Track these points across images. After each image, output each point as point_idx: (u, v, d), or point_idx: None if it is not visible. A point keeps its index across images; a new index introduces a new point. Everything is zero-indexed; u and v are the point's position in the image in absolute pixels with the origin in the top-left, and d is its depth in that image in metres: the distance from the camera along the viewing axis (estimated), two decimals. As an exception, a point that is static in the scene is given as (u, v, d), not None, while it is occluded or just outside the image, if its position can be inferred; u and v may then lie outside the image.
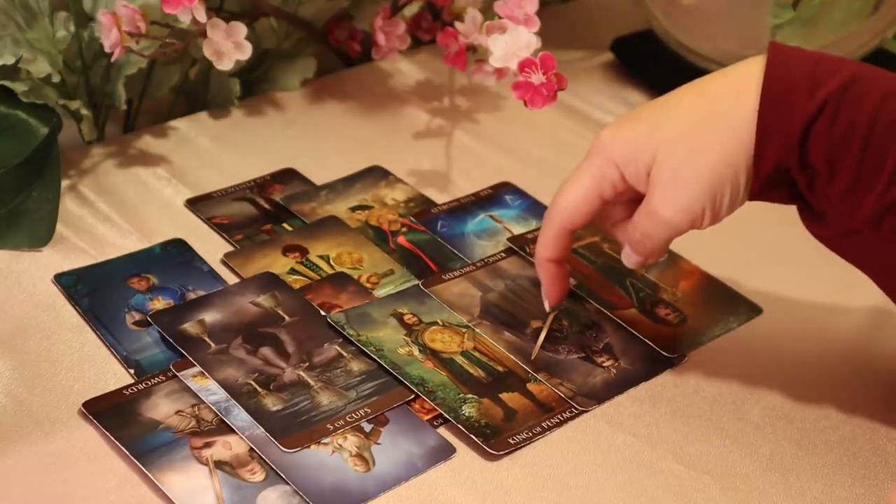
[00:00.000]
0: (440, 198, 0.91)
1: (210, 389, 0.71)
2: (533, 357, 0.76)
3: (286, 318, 0.77)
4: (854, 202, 0.66)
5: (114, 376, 0.73)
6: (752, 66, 0.67)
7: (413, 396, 0.72)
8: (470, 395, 0.73)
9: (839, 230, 0.69)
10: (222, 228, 0.86)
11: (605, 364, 0.76)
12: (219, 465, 0.67)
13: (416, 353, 0.75)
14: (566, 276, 0.76)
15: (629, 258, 0.74)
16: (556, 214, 0.73)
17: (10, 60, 0.85)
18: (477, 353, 0.76)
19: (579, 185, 0.72)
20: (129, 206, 0.87)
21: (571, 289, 0.82)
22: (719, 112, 0.67)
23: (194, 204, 0.88)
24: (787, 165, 0.67)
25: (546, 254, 0.75)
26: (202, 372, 0.72)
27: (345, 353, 0.75)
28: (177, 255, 0.83)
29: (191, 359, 0.73)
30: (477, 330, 0.78)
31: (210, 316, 0.77)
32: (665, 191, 0.69)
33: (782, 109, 0.66)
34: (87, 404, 0.70)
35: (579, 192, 0.72)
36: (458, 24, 0.94)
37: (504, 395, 0.73)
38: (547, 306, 0.77)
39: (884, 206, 0.65)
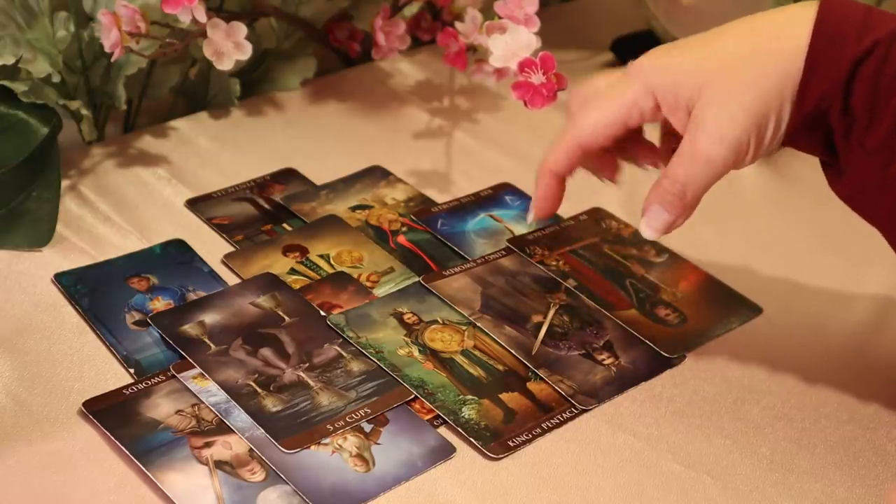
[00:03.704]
0: (440, 198, 0.91)
1: (210, 391, 0.71)
2: (534, 352, 0.76)
3: (286, 318, 0.77)
4: (890, 153, 0.64)
5: (114, 376, 0.73)
6: (804, 8, 0.66)
7: (413, 396, 0.72)
8: (470, 397, 0.73)
9: (864, 186, 0.67)
10: (222, 229, 0.86)
11: (605, 362, 0.76)
12: (219, 464, 0.67)
13: (416, 353, 0.75)
14: (561, 194, 0.73)
15: (656, 220, 0.69)
16: (577, 132, 0.70)
17: (10, 60, 0.85)
18: (477, 352, 0.76)
19: (607, 108, 0.69)
20: (129, 206, 0.87)
21: (571, 289, 0.82)
22: (770, 47, 0.66)
23: (194, 204, 0.88)
24: (828, 106, 0.65)
25: (552, 166, 0.72)
26: (202, 373, 0.72)
27: (345, 354, 0.75)
28: (177, 255, 0.83)
29: (191, 360, 0.73)
30: (478, 324, 0.78)
31: (210, 317, 0.77)
32: (712, 125, 0.66)
33: (833, 45, 0.65)
34: (87, 404, 0.70)
35: (606, 116, 0.69)
36: (458, 24, 0.94)
37: (504, 396, 0.73)
38: (530, 217, 0.74)
39: None
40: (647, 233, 0.70)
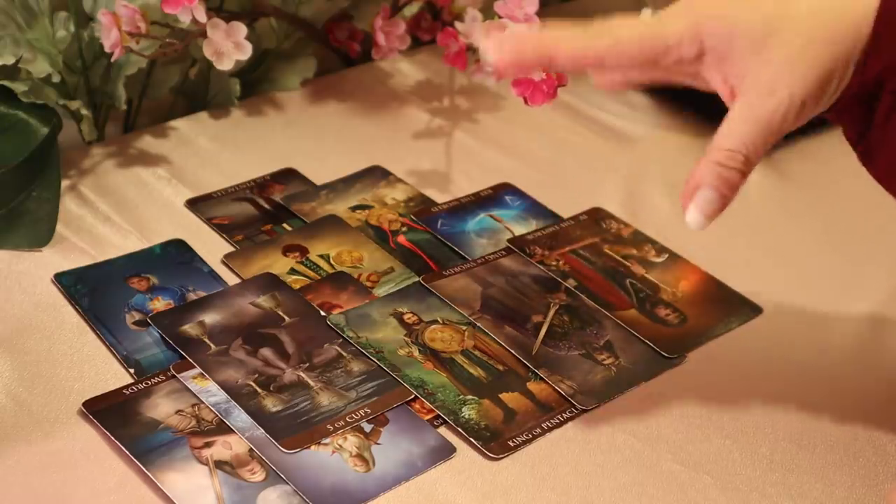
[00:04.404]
0: (440, 198, 0.91)
1: (210, 391, 0.71)
2: (534, 352, 0.76)
3: (286, 318, 0.77)
4: None
5: (114, 376, 0.73)
6: None
7: (413, 396, 0.72)
8: (470, 397, 0.73)
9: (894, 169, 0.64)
10: (222, 229, 0.86)
11: (605, 362, 0.76)
12: (219, 464, 0.67)
13: (416, 353, 0.75)
14: (530, 71, 0.68)
15: (709, 205, 0.63)
16: (600, 45, 0.64)
17: (10, 60, 0.85)
18: (477, 352, 0.76)
19: (643, 38, 0.64)
20: (129, 206, 0.87)
21: (571, 289, 0.82)
22: (840, 7, 0.62)
23: (194, 204, 0.88)
24: (886, 77, 0.61)
25: (548, 52, 0.65)
26: (202, 373, 0.72)
27: (345, 354, 0.75)
28: (177, 255, 0.83)
29: (191, 360, 0.73)
30: (478, 324, 0.78)
31: (210, 317, 0.77)
32: (779, 85, 0.61)
33: None
34: (87, 404, 0.70)
35: (635, 45, 0.64)
36: (458, 24, 0.94)
37: (504, 396, 0.73)
38: (489, 57, 0.66)
39: None
40: (700, 221, 0.63)
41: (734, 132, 0.62)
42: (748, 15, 0.63)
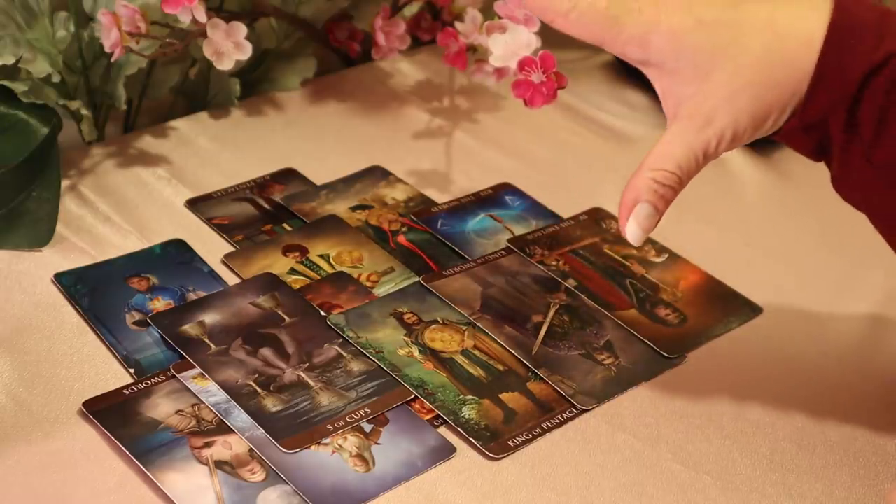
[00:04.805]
0: (440, 198, 0.91)
1: (210, 391, 0.71)
2: (534, 352, 0.76)
3: (286, 318, 0.77)
4: None
5: (114, 376, 0.73)
6: (819, 9, 0.64)
7: (413, 396, 0.72)
8: (470, 397, 0.73)
9: (865, 194, 0.66)
10: (222, 229, 0.86)
11: (605, 361, 0.76)
12: (219, 464, 0.67)
13: (416, 353, 0.75)
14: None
15: (647, 218, 0.66)
16: (572, 19, 0.67)
17: (10, 60, 0.85)
18: (477, 352, 0.76)
19: (600, 23, 0.66)
20: (129, 206, 0.87)
21: (571, 289, 0.82)
22: (784, 52, 0.64)
23: (194, 204, 0.88)
24: (831, 114, 0.64)
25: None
26: (202, 373, 0.72)
27: (345, 354, 0.75)
28: (177, 255, 0.83)
29: (191, 360, 0.73)
30: (478, 324, 0.78)
31: (210, 317, 0.77)
32: (715, 120, 0.65)
33: (844, 55, 0.63)
34: (87, 404, 0.70)
35: (593, 28, 0.67)
36: (458, 24, 0.94)
37: (504, 396, 0.73)
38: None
39: None
40: (638, 234, 0.66)
41: (670, 155, 0.65)
42: (701, 41, 0.65)
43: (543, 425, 0.72)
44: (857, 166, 0.65)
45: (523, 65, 0.84)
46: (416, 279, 0.82)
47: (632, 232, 0.66)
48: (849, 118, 0.64)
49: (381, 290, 0.81)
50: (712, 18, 0.65)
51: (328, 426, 0.70)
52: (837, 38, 0.63)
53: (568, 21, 0.67)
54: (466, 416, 0.71)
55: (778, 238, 0.90)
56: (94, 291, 0.79)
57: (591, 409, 0.73)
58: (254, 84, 1.03)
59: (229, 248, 0.84)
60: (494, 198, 0.92)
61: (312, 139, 0.98)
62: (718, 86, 0.65)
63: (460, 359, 0.76)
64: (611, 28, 0.66)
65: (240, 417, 0.70)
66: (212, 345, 0.75)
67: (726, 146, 0.66)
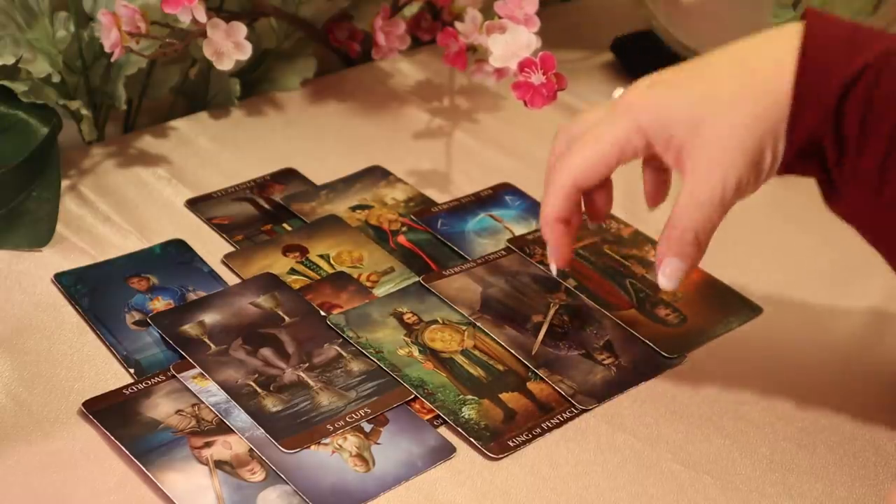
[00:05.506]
0: (440, 198, 0.91)
1: (210, 391, 0.71)
2: (534, 352, 0.76)
3: (286, 318, 0.77)
4: (885, 176, 0.64)
5: (114, 376, 0.73)
6: (789, 37, 0.65)
7: (413, 396, 0.72)
8: (470, 397, 0.73)
9: (859, 208, 0.67)
10: (222, 229, 0.86)
11: (605, 362, 0.76)
12: (219, 464, 0.67)
13: (416, 353, 0.75)
14: (574, 236, 0.73)
15: (676, 271, 0.69)
16: (572, 170, 0.69)
17: (10, 60, 0.85)
18: (477, 352, 0.76)
19: (599, 148, 0.68)
20: (129, 206, 0.87)
21: (571, 289, 0.82)
22: (759, 86, 0.66)
23: (194, 204, 0.88)
24: (820, 135, 0.65)
25: (555, 213, 0.71)
26: (202, 373, 0.72)
27: (344, 354, 0.75)
28: (177, 255, 0.83)
29: (191, 360, 0.73)
30: (478, 324, 0.78)
31: (210, 317, 0.77)
32: (712, 170, 0.66)
33: (819, 76, 0.64)
34: (87, 404, 0.70)
35: (598, 154, 0.69)
36: (458, 24, 0.94)
37: (504, 396, 0.73)
38: (554, 270, 0.73)
39: None
40: (669, 285, 0.70)
41: (683, 215, 0.68)
42: (678, 103, 0.67)
43: (543, 425, 0.72)
44: (850, 182, 0.66)
45: (523, 66, 0.84)
46: (416, 279, 0.82)
47: (663, 283, 0.70)
48: (836, 134, 0.65)
49: (380, 291, 0.81)
50: (685, 76, 0.68)
51: (328, 426, 0.70)
52: (809, 59, 0.64)
53: (573, 178, 0.69)
54: (466, 416, 0.71)
55: (778, 238, 0.90)
56: (94, 291, 0.79)
57: (590, 409, 0.73)
58: (254, 84, 1.03)
59: (229, 248, 0.84)
60: (494, 198, 0.92)
61: (312, 139, 0.98)
62: (707, 138, 0.66)
63: (460, 359, 0.76)
64: (609, 138, 0.68)
65: (240, 417, 0.70)
66: (212, 345, 0.75)
67: (733, 194, 0.67)
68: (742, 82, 0.66)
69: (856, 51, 0.64)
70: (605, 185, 0.72)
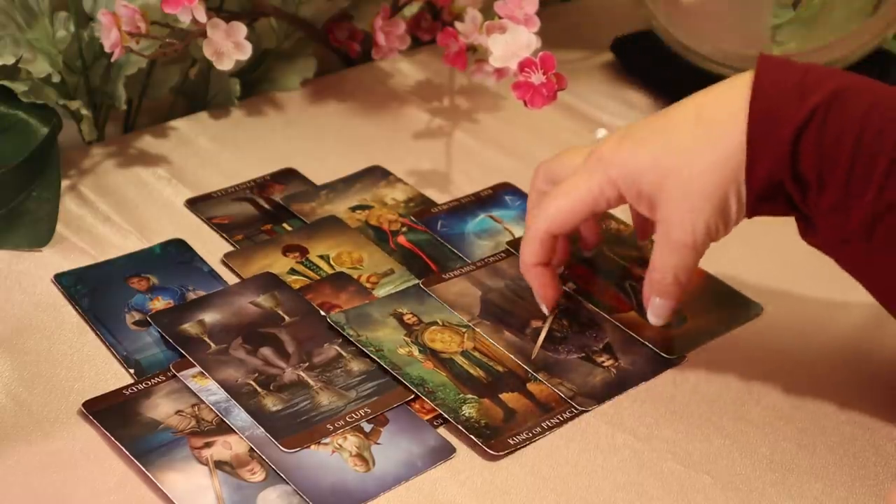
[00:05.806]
0: (440, 198, 0.91)
1: (210, 390, 0.71)
2: (533, 357, 0.76)
3: (286, 318, 0.77)
4: (845, 212, 0.66)
5: (114, 376, 0.73)
6: (743, 83, 0.69)
7: (413, 396, 0.72)
8: (470, 396, 0.73)
9: (832, 240, 0.69)
10: (222, 228, 0.86)
11: (605, 364, 0.76)
12: (219, 464, 0.67)
13: (416, 353, 0.75)
14: (556, 276, 0.78)
15: (662, 310, 0.75)
16: (546, 221, 0.74)
17: (10, 60, 0.86)
18: (477, 353, 0.76)
19: (575, 197, 0.73)
20: (129, 206, 0.87)
21: (571, 292, 0.82)
22: (715, 137, 0.69)
23: (194, 204, 0.88)
24: (780, 178, 0.68)
25: (532, 259, 0.76)
26: (202, 372, 0.72)
27: (345, 354, 0.75)
28: (177, 255, 0.83)
29: (191, 359, 0.73)
30: (477, 329, 0.78)
31: (210, 316, 0.77)
32: (680, 219, 0.70)
33: (771, 123, 0.67)
34: (87, 404, 0.70)
35: (574, 204, 0.73)
36: (458, 24, 0.94)
37: (504, 396, 0.73)
38: (545, 310, 0.78)
39: (873, 214, 0.66)
40: (658, 322, 0.75)
41: (659, 260, 0.73)
42: (643, 157, 0.71)
43: (543, 425, 0.72)
44: (817, 217, 0.69)
45: (523, 66, 0.84)
46: (416, 282, 0.82)
47: (652, 320, 0.76)
48: (794, 176, 0.67)
49: (380, 292, 0.81)
50: (649, 131, 0.72)
51: (328, 426, 0.70)
52: (761, 107, 0.67)
53: (548, 227, 0.74)
54: (466, 415, 0.71)
55: (778, 238, 0.90)
56: (94, 291, 0.79)
57: (590, 410, 0.73)
58: (254, 84, 1.03)
59: (229, 248, 0.84)
60: (494, 198, 0.92)
61: (312, 139, 0.98)
62: (671, 189, 0.70)
63: (460, 359, 0.76)
64: (584, 190, 0.73)
65: (240, 416, 0.70)
66: (212, 344, 0.75)
67: (704, 238, 0.71)
68: (699, 133, 0.70)
69: (806, 94, 0.67)
70: (589, 219, 0.78)
